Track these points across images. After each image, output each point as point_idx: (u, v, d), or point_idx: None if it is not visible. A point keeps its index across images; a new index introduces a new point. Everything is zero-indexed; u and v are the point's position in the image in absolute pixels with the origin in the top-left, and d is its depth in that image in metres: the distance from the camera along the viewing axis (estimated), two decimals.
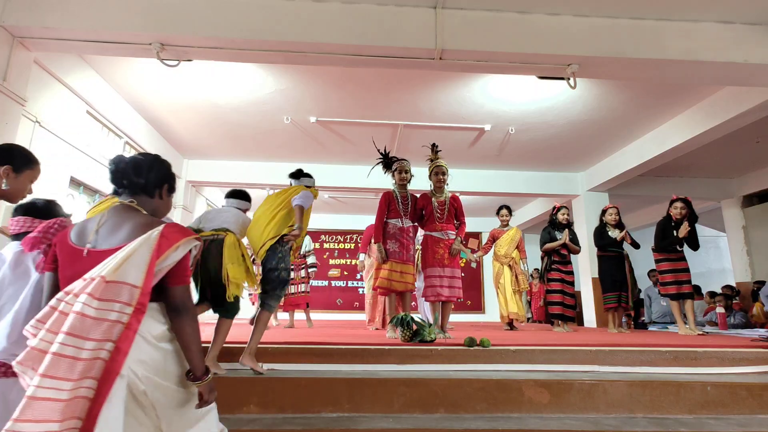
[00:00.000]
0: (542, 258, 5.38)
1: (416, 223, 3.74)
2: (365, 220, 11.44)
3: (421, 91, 5.09)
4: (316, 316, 6.25)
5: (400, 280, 3.53)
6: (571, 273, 5.24)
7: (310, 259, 5.77)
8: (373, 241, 3.76)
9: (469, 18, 3.57)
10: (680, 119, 5.58)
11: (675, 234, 4.79)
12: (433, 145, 3.87)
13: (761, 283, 6.95)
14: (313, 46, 3.50)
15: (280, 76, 4.79)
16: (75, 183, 4.61)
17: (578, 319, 5.49)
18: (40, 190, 3.85)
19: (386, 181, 7.42)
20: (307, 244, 5.81)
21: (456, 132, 6.03)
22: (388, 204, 3.68)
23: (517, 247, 5.71)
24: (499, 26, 3.58)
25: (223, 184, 7.79)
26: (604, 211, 5.42)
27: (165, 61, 3.58)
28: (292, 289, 5.55)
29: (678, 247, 4.79)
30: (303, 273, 5.68)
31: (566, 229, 5.21)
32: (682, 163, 6.84)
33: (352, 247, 11.25)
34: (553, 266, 5.18)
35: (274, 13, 3.45)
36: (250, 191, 10.04)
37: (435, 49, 3.48)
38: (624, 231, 5.11)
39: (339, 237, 11.32)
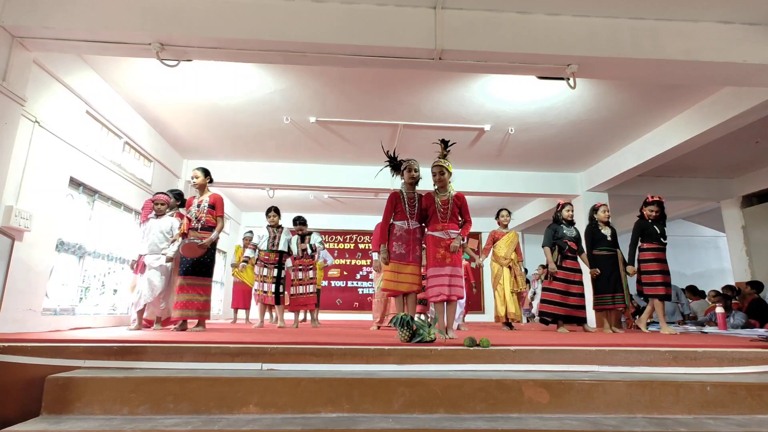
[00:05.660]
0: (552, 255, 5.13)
1: (422, 225, 3.71)
2: (365, 220, 11.52)
3: (421, 91, 5.10)
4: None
5: (405, 281, 3.54)
6: (579, 271, 5.03)
7: (314, 240, 5.80)
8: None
9: (468, 18, 3.57)
10: (680, 119, 5.58)
11: (656, 231, 4.78)
12: (442, 141, 3.73)
13: (756, 285, 6.94)
14: (313, 46, 3.50)
15: (280, 77, 4.79)
16: (74, 183, 4.60)
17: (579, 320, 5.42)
18: (39, 189, 3.86)
19: (385, 182, 7.46)
20: (312, 244, 5.81)
21: (456, 132, 6.03)
22: (395, 205, 3.67)
23: (515, 249, 5.78)
24: (498, 26, 3.58)
25: (223, 184, 7.79)
26: (595, 209, 5.27)
27: (165, 61, 3.58)
28: (300, 289, 5.56)
29: (662, 239, 4.76)
30: (311, 274, 5.68)
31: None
32: (681, 163, 6.85)
33: (352, 247, 11.25)
34: (562, 264, 4.99)
35: (274, 13, 3.45)
36: (249, 191, 10.08)
37: (435, 49, 3.48)
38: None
39: (338, 237, 11.32)
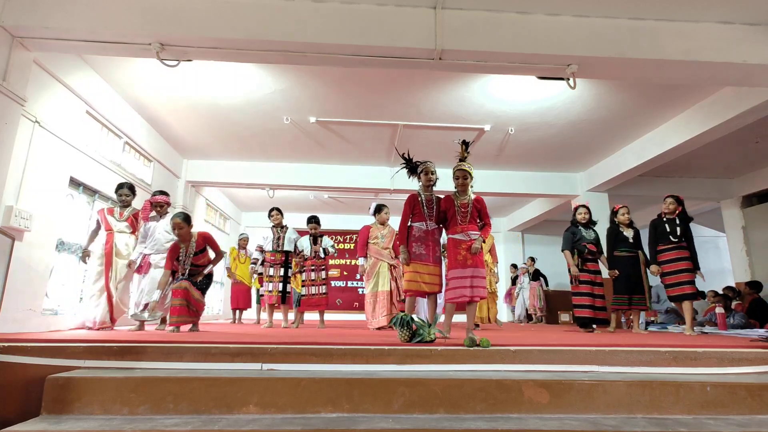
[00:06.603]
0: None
1: (440, 226, 3.72)
2: (365, 221, 11.48)
3: (421, 91, 5.10)
4: (315, 315, 6.25)
5: (429, 282, 3.57)
6: (599, 272, 5.11)
7: (326, 244, 5.76)
8: (398, 242, 3.76)
9: (468, 18, 3.57)
10: (680, 119, 5.58)
11: (666, 230, 4.78)
12: (464, 142, 3.67)
13: (755, 285, 6.94)
14: (313, 46, 3.50)
15: (280, 76, 4.79)
16: (74, 183, 4.60)
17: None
18: (39, 189, 3.86)
19: (385, 182, 7.46)
20: (325, 248, 5.76)
21: (456, 132, 6.03)
22: (413, 207, 3.69)
23: (489, 252, 5.79)
24: (498, 26, 3.58)
25: (222, 184, 7.80)
26: (615, 212, 5.34)
27: (165, 61, 3.58)
28: (312, 290, 5.55)
29: (672, 238, 4.75)
30: (323, 274, 5.62)
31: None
32: (682, 163, 6.85)
33: (352, 247, 11.25)
34: (583, 267, 5.04)
35: (274, 13, 3.45)
36: (249, 192, 10.05)
37: (435, 49, 3.48)
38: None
39: (339, 237, 11.32)
